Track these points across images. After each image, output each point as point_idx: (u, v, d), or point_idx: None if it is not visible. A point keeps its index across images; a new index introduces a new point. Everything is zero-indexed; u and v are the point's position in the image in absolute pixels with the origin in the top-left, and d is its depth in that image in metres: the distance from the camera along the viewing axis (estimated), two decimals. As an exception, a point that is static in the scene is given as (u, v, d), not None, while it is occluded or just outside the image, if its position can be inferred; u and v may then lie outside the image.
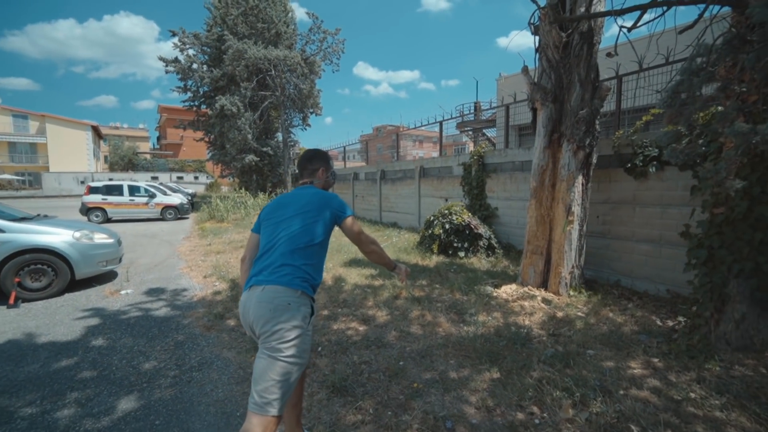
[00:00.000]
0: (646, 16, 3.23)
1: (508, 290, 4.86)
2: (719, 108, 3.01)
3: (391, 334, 3.59)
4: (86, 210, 12.70)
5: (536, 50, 4.75)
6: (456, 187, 8.30)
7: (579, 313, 4.11)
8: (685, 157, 2.67)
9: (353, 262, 6.32)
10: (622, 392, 2.52)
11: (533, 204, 4.96)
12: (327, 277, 5.46)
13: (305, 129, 22.69)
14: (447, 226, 6.42)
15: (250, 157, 18.49)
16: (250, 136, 17.84)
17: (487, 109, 16.85)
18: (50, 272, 4.63)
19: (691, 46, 2.80)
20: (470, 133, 18.74)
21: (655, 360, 2.99)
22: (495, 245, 6.54)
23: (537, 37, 4.73)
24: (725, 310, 3.09)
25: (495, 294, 4.72)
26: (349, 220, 1.86)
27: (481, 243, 6.41)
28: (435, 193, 9.08)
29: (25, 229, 4.60)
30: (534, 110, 5.03)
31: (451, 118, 10.11)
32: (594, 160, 4.71)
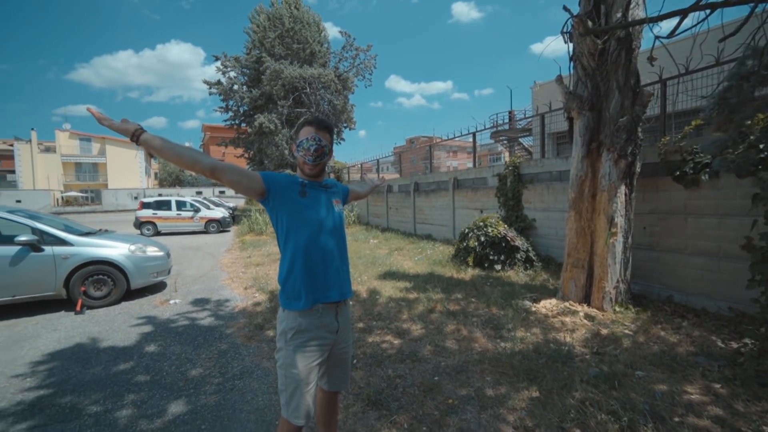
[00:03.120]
0: (687, 21, 3.08)
1: (547, 305, 4.69)
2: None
3: (426, 348, 3.57)
4: (139, 224, 13.70)
5: (570, 58, 4.65)
6: (491, 198, 8.17)
7: (626, 331, 3.89)
8: (737, 167, 2.50)
9: (388, 275, 6.36)
10: (677, 419, 2.35)
11: (572, 215, 4.79)
12: (361, 289, 5.54)
13: (339, 143, 23.32)
14: (482, 239, 6.32)
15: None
16: (286, 152, 18.59)
17: (522, 119, 16.52)
18: (110, 282, 5.05)
19: (743, 46, 2.64)
20: (505, 142, 18.40)
21: (717, 386, 2.75)
22: (533, 258, 6.34)
23: (571, 45, 4.64)
24: (795, 331, 2.81)
25: (534, 309, 4.57)
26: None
27: (518, 256, 6.24)
28: (469, 204, 8.98)
29: (89, 242, 5.05)
30: (570, 119, 4.90)
31: (485, 129, 10.02)
32: (638, 169, 4.50)
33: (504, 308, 4.64)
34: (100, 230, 5.90)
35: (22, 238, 4.55)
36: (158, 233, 14.08)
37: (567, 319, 4.23)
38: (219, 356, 3.44)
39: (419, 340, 3.77)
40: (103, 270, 5.00)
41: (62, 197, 36.26)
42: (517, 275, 6.05)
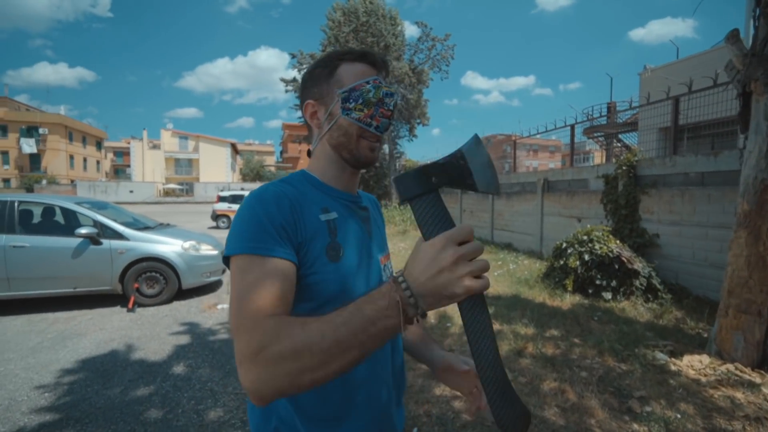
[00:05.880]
0: None
1: (696, 363, 3.27)
2: None
3: (518, 418, 2.50)
4: (216, 216, 14.36)
5: (758, 1, 3.14)
6: (593, 205, 6.60)
7: None
8: None
9: (459, 292, 5.30)
10: None
11: (743, 237, 3.28)
12: (430, 313, 4.58)
13: (411, 140, 22.48)
14: (587, 257, 4.93)
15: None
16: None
17: (625, 110, 13.97)
18: (162, 280, 4.79)
19: None
20: (600, 139, 15.90)
21: None
22: (657, 287, 4.79)
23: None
24: None
25: (674, 367, 3.21)
26: (230, 271, 0.66)
27: (636, 282, 4.75)
28: (563, 211, 7.45)
29: (145, 237, 4.85)
30: (745, 96, 3.37)
31: (584, 121, 8.33)
32: None
33: (625, 360, 3.34)
34: (161, 224, 5.77)
35: (83, 231, 4.45)
36: (233, 226, 14.64)
37: (740, 396, 2.80)
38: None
39: (507, 401, 2.70)
40: (156, 267, 4.76)
41: (163, 189, 41.01)
42: (635, 309, 4.57)
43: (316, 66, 0.80)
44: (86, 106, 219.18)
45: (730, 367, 3.15)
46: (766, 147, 3.11)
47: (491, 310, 4.48)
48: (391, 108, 0.78)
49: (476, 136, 0.60)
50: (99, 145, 47.34)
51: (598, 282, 4.83)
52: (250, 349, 0.54)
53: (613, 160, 8.41)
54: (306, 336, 0.54)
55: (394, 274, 0.59)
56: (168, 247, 4.86)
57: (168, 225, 5.91)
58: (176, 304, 4.89)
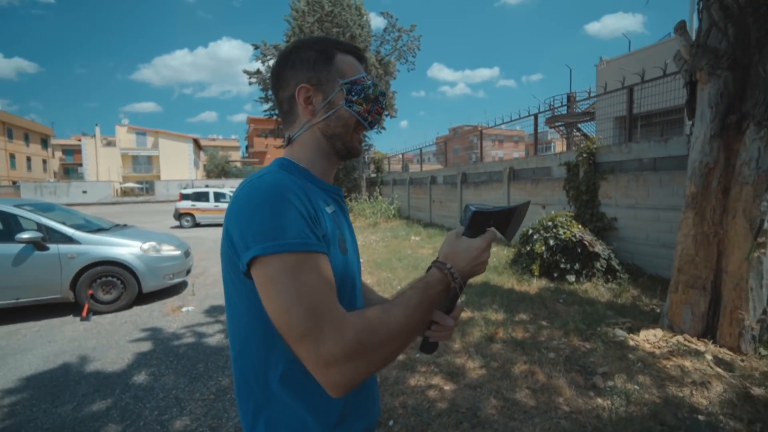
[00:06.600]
0: None
1: (651, 337, 3.48)
2: None
3: (490, 402, 2.57)
4: (179, 215, 13.72)
5: (701, -3, 3.32)
6: (556, 191, 6.85)
7: (794, 393, 2.62)
8: None
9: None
10: None
11: (690, 217, 3.50)
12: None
13: (380, 132, 22.36)
14: (551, 242, 5.11)
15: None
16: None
17: (583, 100, 14.56)
18: (119, 285, 4.51)
19: None
20: (562, 129, 16.50)
21: None
22: (616, 268, 5.04)
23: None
24: None
25: (632, 342, 3.39)
26: (263, 273, 0.59)
27: (597, 264, 4.98)
28: (529, 198, 7.68)
29: (99, 240, 4.53)
30: (691, 85, 3.57)
31: (546, 111, 8.58)
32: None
33: (589, 338, 3.50)
34: (117, 226, 5.41)
35: (25, 236, 4.08)
36: (197, 225, 14.05)
37: (688, 364, 3.01)
38: (215, 398, 2.65)
39: (479, 386, 2.76)
40: (112, 271, 4.46)
41: (120, 188, 38.68)
42: (596, 289, 4.80)
43: (308, 48, 0.76)
44: (28, 100, 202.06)
45: (680, 338, 3.38)
46: (711, 132, 3.32)
47: (462, 299, 4.56)
48: (383, 106, 0.81)
49: (528, 203, 0.86)
50: (45, 143, 43.83)
51: (562, 266, 5.03)
52: (347, 347, 0.56)
53: (574, 148, 8.73)
54: (395, 322, 0.61)
55: (440, 264, 0.72)
56: (125, 249, 4.56)
57: (125, 226, 5.55)
58: (137, 309, 4.62)
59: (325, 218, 0.68)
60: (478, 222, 0.76)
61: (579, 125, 15.06)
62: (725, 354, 3.14)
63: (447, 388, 2.75)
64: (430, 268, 0.74)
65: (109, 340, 3.69)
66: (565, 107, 15.55)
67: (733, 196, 3.25)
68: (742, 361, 3.04)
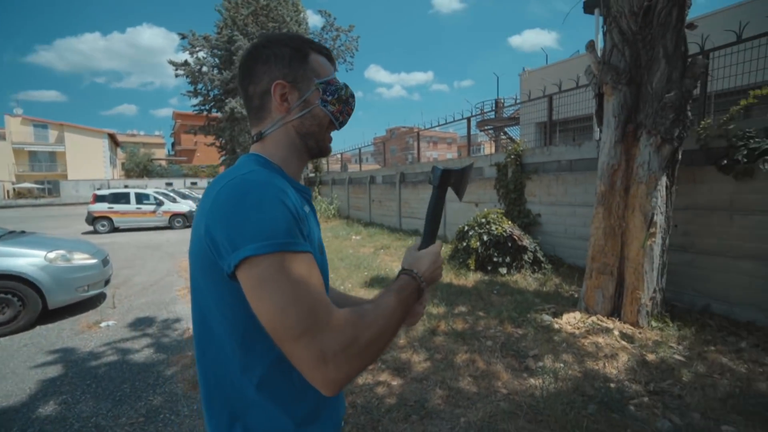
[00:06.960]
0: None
1: (571, 320, 3.90)
2: None
3: (436, 392, 2.69)
4: (92, 219, 12.19)
5: (604, 20, 3.79)
6: (488, 190, 7.34)
7: (677, 356, 3.13)
8: None
9: (376, 282, 5.44)
10: None
11: (600, 212, 3.99)
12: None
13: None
14: (485, 238, 5.47)
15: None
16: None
17: (510, 105, 15.77)
18: (16, 302, 3.88)
19: None
20: (491, 132, 17.69)
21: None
22: (541, 259, 5.56)
23: (601, 8, 3.78)
24: None
25: (556, 325, 3.77)
26: (254, 274, 0.58)
27: (525, 257, 5.44)
28: (463, 197, 8.12)
29: (-10, 250, 3.87)
30: (599, 97, 4.07)
31: (478, 114, 9.15)
32: (680, 157, 3.73)
33: (521, 325, 3.82)
34: (12, 232, 4.66)
35: None
36: (115, 229, 12.61)
37: (601, 341, 3.44)
38: (146, 421, 2.43)
39: (425, 378, 2.88)
40: (7, 286, 3.82)
41: (14, 189, 33.31)
42: (525, 280, 5.25)
43: (282, 44, 0.76)
44: None
45: (594, 318, 3.84)
46: (614, 139, 3.81)
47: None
48: (353, 108, 0.84)
49: (472, 165, 1.04)
50: None
51: (495, 259, 5.41)
52: (345, 343, 0.58)
53: (502, 150, 9.42)
54: (383, 320, 0.65)
55: (407, 271, 0.80)
56: (23, 260, 3.94)
57: (23, 233, 4.80)
58: (40, 329, 4.00)
59: (307, 218, 0.69)
60: (445, 179, 0.87)
61: (506, 129, 16.32)
62: (628, 329, 3.64)
63: (395, 383, 2.82)
64: (398, 276, 0.81)
65: (3, 368, 3.15)
66: (494, 112, 16.70)
67: (632, 194, 3.77)
68: (640, 333, 3.54)
